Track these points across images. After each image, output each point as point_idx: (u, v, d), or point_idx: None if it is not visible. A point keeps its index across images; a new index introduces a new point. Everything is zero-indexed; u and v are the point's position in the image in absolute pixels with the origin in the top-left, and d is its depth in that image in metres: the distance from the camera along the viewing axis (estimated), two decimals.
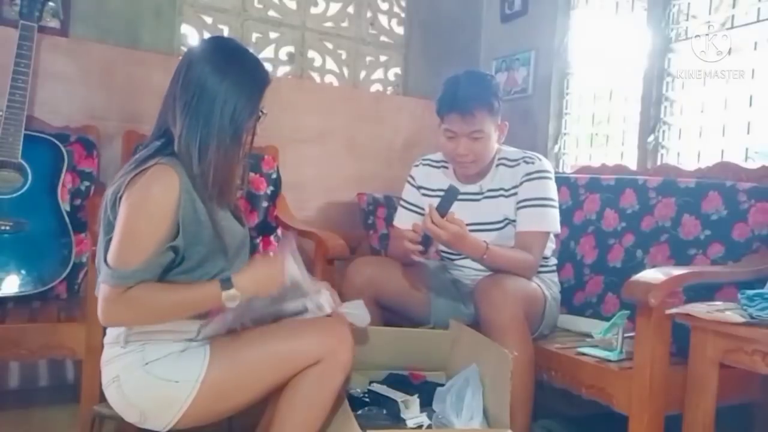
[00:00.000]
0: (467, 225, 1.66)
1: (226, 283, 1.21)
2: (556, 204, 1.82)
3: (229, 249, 1.28)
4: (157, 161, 1.20)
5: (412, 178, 1.98)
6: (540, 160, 1.83)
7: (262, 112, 1.32)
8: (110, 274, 1.16)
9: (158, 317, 1.22)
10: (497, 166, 1.86)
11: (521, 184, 1.80)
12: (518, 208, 1.80)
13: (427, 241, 1.65)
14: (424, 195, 1.94)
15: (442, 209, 1.61)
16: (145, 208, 1.18)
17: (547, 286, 1.85)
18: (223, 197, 1.30)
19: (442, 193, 1.78)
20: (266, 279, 1.28)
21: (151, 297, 1.18)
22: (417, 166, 2.00)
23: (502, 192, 1.83)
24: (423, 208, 1.93)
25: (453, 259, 1.90)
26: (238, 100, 1.25)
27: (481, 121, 1.73)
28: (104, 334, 1.31)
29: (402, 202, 1.99)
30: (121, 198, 1.19)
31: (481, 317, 1.62)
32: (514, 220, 1.82)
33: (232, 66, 1.26)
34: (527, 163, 1.82)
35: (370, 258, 2.07)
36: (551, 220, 1.80)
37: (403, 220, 1.95)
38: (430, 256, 1.73)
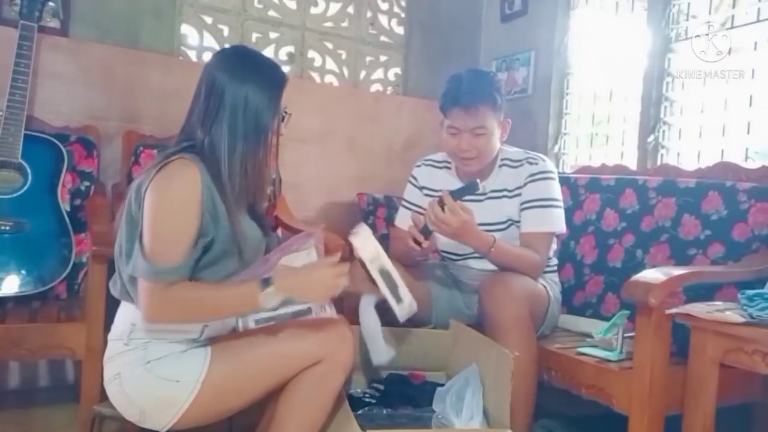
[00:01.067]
0: None
1: (265, 284, 1.20)
2: (561, 204, 1.83)
3: (244, 252, 1.28)
4: (179, 156, 1.22)
5: (414, 178, 1.98)
6: (543, 160, 1.84)
7: (285, 112, 1.35)
8: (151, 270, 1.16)
9: (201, 316, 1.24)
10: (500, 166, 1.86)
11: (525, 185, 1.80)
12: (523, 209, 1.80)
13: (426, 232, 1.63)
14: (426, 195, 1.93)
15: (455, 197, 1.60)
16: (171, 202, 1.19)
17: (550, 286, 1.85)
18: (249, 200, 1.32)
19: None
20: (315, 285, 1.24)
21: (195, 296, 1.20)
22: (419, 166, 2.00)
23: (505, 193, 1.83)
24: (425, 209, 1.93)
25: (455, 260, 1.90)
26: (260, 102, 1.27)
27: (484, 117, 1.73)
28: (106, 332, 1.31)
29: (403, 202, 1.99)
30: (145, 192, 1.20)
31: (486, 315, 1.61)
32: (517, 221, 1.82)
33: (249, 70, 1.29)
34: (531, 163, 1.82)
35: None
36: (556, 220, 1.80)
37: (404, 221, 1.94)
38: (430, 252, 1.71)
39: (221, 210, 1.24)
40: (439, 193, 1.87)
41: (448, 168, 1.94)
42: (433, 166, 1.97)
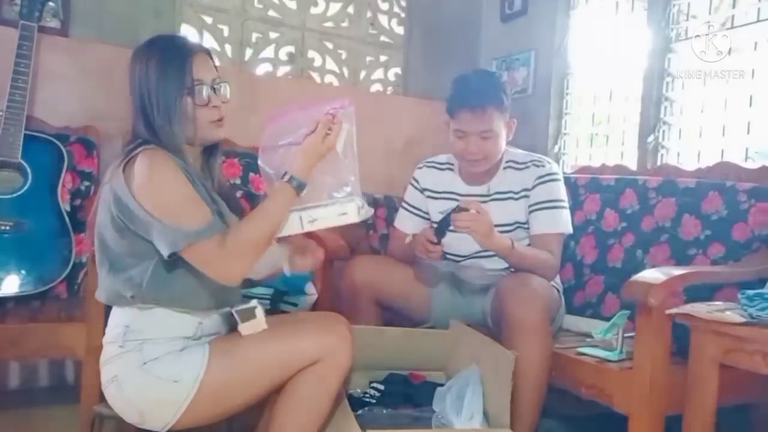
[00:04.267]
0: None
1: (287, 177, 1.25)
2: (567, 205, 1.84)
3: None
4: (142, 149, 1.23)
5: (416, 180, 1.98)
6: (549, 163, 1.86)
7: (217, 81, 1.31)
8: (194, 232, 1.16)
9: (263, 247, 1.24)
10: (505, 168, 1.86)
11: (534, 187, 1.81)
12: (532, 211, 1.81)
13: (442, 229, 1.64)
14: (428, 197, 1.94)
15: (440, 231, 1.63)
16: (163, 175, 1.20)
17: (561, 288, 1.86)
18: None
19: (448, 195, 1.82)
20: (312, 151, 1.32)
21: (246, 233, 1.21)
22: (420, 168, 1.99)
23: (511, 195, 1.84)
24: (426, 212, 1.94)
25: (458, 261, 1.90)
26: (161, 78, 1.25)
27: (491, 119, 1.73)
28: (104, 333, 1.31)
29: (404, 204, 1.99)
30: (129, 186, 1.20)
31: (508, 315, 1.59)
32: (524, 223, 1.82)
33: (150, 50, 1.29)
34: (537, 166, 1.83)
35: (369, 257, 2.07)
36: (566, 221, 1.82)
37: (404, 223, 1.95)
38: (441, 252, 1.71)
39: (201, 190, 1.26)
40: (443, 195, 1.88)
41: (452, 169, 1.94)
42: (435, 168, 1.96)
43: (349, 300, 1.80)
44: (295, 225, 1.30)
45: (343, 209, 1.34)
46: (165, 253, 1.17)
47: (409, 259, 1.83)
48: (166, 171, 1.21)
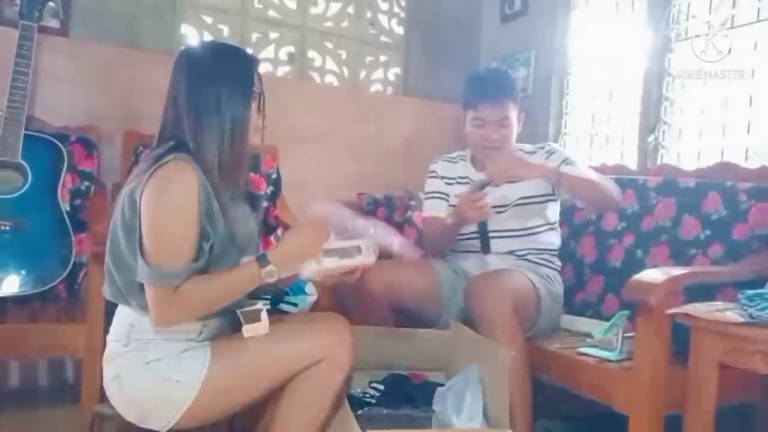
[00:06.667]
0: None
1: (263, 261, 1.24)
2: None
3: (240, 243, 1.29)
4: (174, 157, 1.22)
5: (434, 171, 2.06)
6: (557, 146, 1.98)
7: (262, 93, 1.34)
8: (157, 274, 1.17)
9: (209, 310, 1.25)
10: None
11: (547, 159, 1.88)
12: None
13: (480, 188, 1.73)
14: (447, 184, 2.02)
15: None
16: (171, 205, 1.19)
17: (546, 281, 1.84)
18: (237, 185, 1.32)
19: (462, 180, 1.96)
20: (303, 249, 1.29)
21: (200, 292, 1.21)
22: (435, 162, 2.09)
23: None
24: (448, 195, 2.00)
25: (501, 212, 1.91)
26: (232, 85, 1.27)
27: (508, 109, 1.86)
28: (106, 332, 1.31)
29: (428, 193, 2.04)
30: (141, 195, 1.19)
31: (474, 314, 1.63)
32: (552, 194, 1.90)
33: (220, 64, 1.30)
34: (544, 149, 1.94)
35: (386, 262, 2.04)
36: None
37: (433, 208, 2.00)
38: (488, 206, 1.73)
39: (216, 208, 1.24)
40: (457, 180, 1.99)
41: (464, 159, 2.04)
42: (449, 161, 2.07)
43: (366, 305, 1.78)
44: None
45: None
46: (138, 277, 1.20)
47: (447, 243, 1.92)
48: (177, 201, 1.19)
